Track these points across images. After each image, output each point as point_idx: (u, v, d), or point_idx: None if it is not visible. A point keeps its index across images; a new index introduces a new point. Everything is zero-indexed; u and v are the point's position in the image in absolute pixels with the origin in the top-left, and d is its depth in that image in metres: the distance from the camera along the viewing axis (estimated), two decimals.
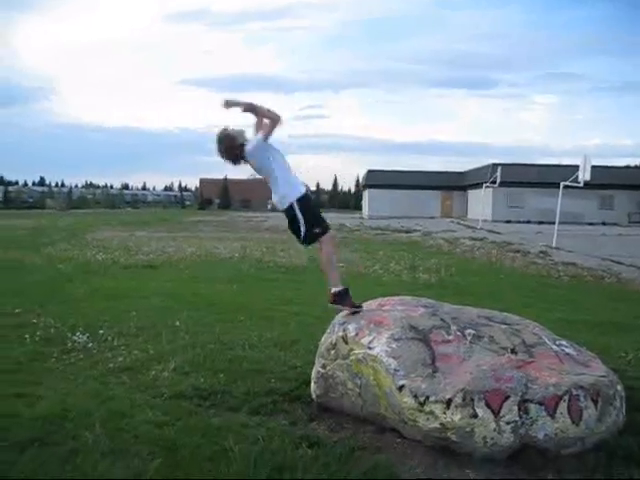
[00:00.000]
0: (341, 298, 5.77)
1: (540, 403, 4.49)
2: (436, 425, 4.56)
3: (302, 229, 5.74)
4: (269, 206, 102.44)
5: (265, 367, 6.65)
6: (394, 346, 4.99)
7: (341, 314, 5.84)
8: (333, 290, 5.79)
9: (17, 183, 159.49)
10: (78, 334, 7.99)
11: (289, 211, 5.77)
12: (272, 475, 4.19)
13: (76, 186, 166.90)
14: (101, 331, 8.16)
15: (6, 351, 7.37)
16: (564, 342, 5.46)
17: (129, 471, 4.21)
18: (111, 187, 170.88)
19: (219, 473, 4.20)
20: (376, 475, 4.27)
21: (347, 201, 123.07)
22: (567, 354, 5.20)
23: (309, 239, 5.81)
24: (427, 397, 4.60)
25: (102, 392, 5.87)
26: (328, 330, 5.77)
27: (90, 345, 7.58)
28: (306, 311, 9.99)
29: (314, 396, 5.68)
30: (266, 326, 8.75)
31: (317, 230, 5.78)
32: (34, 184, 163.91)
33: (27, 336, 8.01)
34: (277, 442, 4.74)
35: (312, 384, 5.73)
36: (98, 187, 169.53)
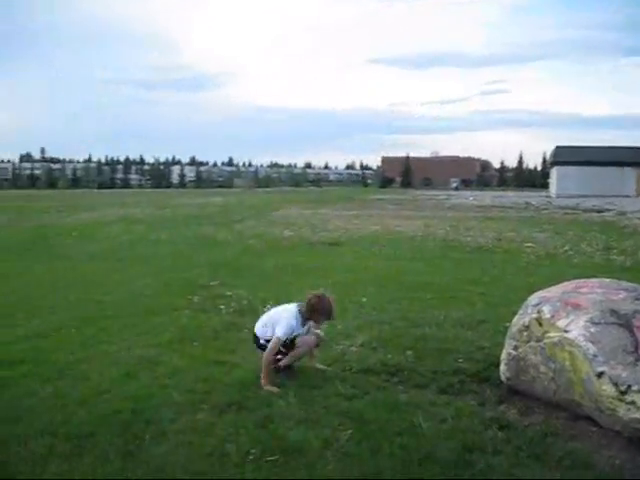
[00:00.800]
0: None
1: None
2: (637, 416, 4.28)
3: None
4: (454, 185, 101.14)
5: (452, 346, 6.58)
6: (593, 330, 4.73)
7: (535, 295, 5.62)
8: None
9: (208, 163, 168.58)
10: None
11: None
12: (462, 454, 4.15)
13: (262, 166, 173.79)
14: None
15: (205, 320, 7.86)
16: None
17: (319, 440, 4.33)
18: (295, 166, 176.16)
19: (407, 448, 4.22)
20: (571, 463, 4.09)
21: (533, 179, 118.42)
22: None
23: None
24: (629, 386, 4.33)
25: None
26: (520, 311, 5.58)
27: None
28: (492, 291, 9.76)
29: (503, 378, 5.53)
30: (452, 305, 8.66)
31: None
32: (223, 164, 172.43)
33: (222, 307, 8.49)
34: (466, 422, 4.70)
35: (501, 366, 5.58)
36: (282, 166, 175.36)
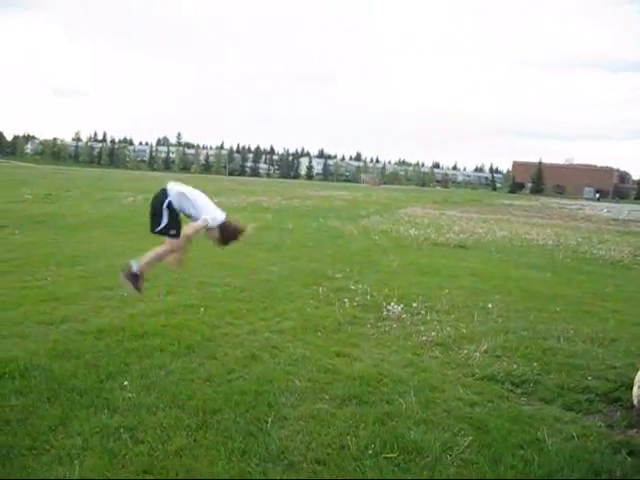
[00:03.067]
0: (133, 278, 6.18)
1: None
2: None
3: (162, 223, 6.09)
4: (595, 195, 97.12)
5: (581, 363, 6.34)
6: None
7: None
8: (134, 267, 6.16)
9: (336, 157, 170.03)
10: (392, 304, 8.31)
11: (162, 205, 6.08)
12: (587, 476, 4.00)
13: (389, 162, 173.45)
14: (414, 304, 8.40)
15: (328, 312, 7.93)
16: None
17: (438, 443, 4.29)
18: (422, 165, 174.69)
19: (529, 462, 4.11)
20: None
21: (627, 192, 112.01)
22: None
23: (159, 232, 6.14)
24: None
25: (415, 363, 6.07)
26: None
27: (404, 316, 7.85)
28: (627, 309, 9.33)
29: (635, 401, 5.26)
30: (582, 319, 8.33)
31: (172, 232, 6.13)
32: (351, 158, 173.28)
33: (346, 300, 8.54)
34: (593, 443, 4.52)
35: (635, 388, 5.31)
36: (410, 164, 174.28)
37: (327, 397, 5.07)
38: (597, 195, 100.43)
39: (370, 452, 4.12)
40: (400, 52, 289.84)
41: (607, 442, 4.56)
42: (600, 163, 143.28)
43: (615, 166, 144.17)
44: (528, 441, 4.44)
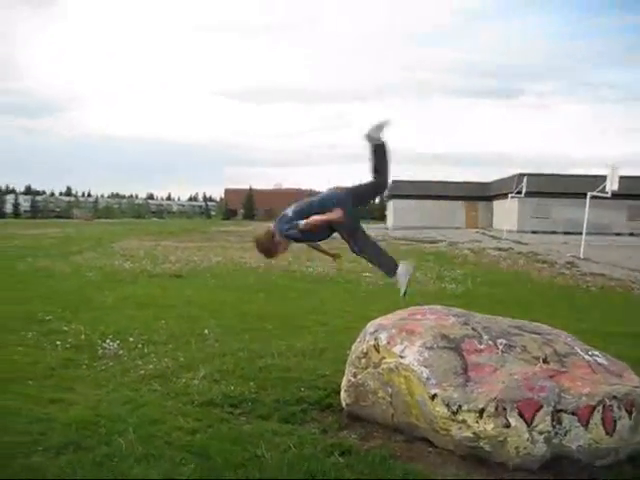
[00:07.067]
0: None
1: (573, 413, 4.47)
2: (468, 434, 4.55)
3: None
4: None
5: (294, 375, 6.67)
6: (426, 355, 4.99)
7: (372, 322, 5.83)
8: None
9: (44, 193, 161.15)
10: (108, 341, 8.06)
11: None
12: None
13: (102, 196, 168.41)
14: (131, 339, 8.23)
15: (39, 357, 7.47)
16: (596, 352, 5.40)
17: (161, 476, 4.25)
18: (137, 197, 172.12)
19: (250, 478, 4.23)
20: None
21: (371, 211, 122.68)
22: (600, 364, 5.14)
23: None
24: (459, 406, 4.60)
25: (134, 399, 5.93)
26: (358, 339, 5.78)
27: (120, 352, 7.66)
28: (333, 320, 10.01)
29: (344, 405, 5.68)
30: (295, 334, 8.78)
31: None
32: (61, 194, 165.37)
33: (58, 343, 8.11)
34: (309, 450, 4.76)
35: (342, 392, 5.74)
36: (124, 197, 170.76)
37: (41, 448, 4.75)
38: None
39: None
40: (106, 81, 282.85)
41: (321, 446, 4.84)
42: (304, 186, 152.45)
43: (317, 188, 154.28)
44: (248, 458, 4.56)
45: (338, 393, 5.87)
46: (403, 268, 5.93)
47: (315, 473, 4.34)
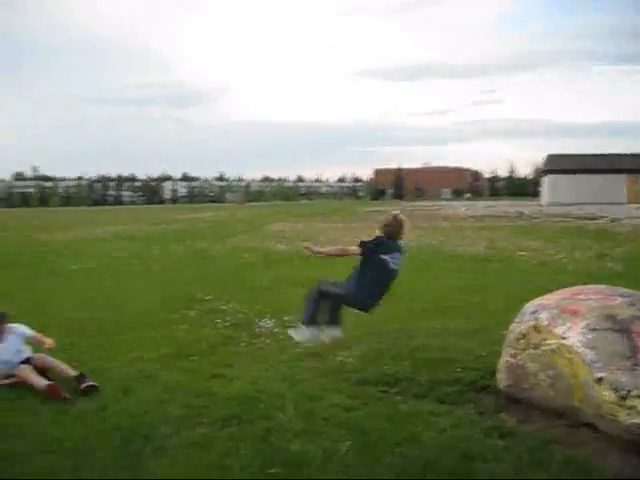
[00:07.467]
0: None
1: None
2: (637, 421, 4.29)
3: None
4: (447, 195, 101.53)
5: (449, 356, 6.59)
6: (590, 337, 4.75)
7: (531, 302, 5.63)
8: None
9: (199, 179, 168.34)
10: (265, 320, 8.33)
11: None
12: (463, 463, 4.15)
13: (253, 180, 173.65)
14: (286, 317, 8.44)
15: (200, 335, 7.85)
16: None
17: (319, 452, 4.32)
18: (286, 180, 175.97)
19: (407, 457, 4.22)
20: (572, 469, 4.10)
21: (524, 188, 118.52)
22: None
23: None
24: (628, 391, 4.34)
25: (291, 376, 6.10)
26: (516, 319, 5.59)
27: (277, 330, 7.89)
28: (488, 300, 9.78)
29: (501, 386, 5.54)
30: (447, 315, 8.67)
31: None
32: (215, 179, 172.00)
33: (218, 321, 8.49)
34: (466, 431, 4.70)
35: (499, 374, 5.59)
36: (274, 180, 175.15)
37: (206, 421, 4.99)
38: (468, 195, 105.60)
39: (252, 470, 4.09)
40: (250, 68, 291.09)
41: (479, 428, 4.76)
42: (454, 164, 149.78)
43: (467, 166, 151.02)
44: (405, 438, 4.56)
45: (494, 374, 5.73)
46: (307, 333, 6.30)
47: (473, 455, 4.26)
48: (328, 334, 6.32)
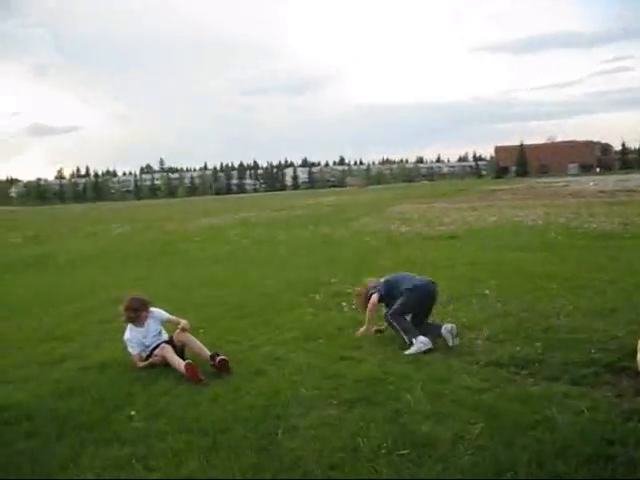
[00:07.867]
0: None
1: None
2: None
3: None
4: (574, 170, 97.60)
5: (583, 337, 6.34)
6: None
7: None
8: None
9: (319, 164, 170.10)
10: None
11: None
12: (601, 448, 3.98)
13: (373, 163, 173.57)
14: None
15: (327, 317, 7.94)
16: None
17: (450, 434, 4.29)
18: (406, 162, 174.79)
19: (542, 441, 4.10)
20: None
21: (627, 162, 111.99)
22: None
23: None
24: None
25: (419, 358, 6.08)
26: None
27: None
28: (623, 279, 9.34)
29: None
30: (580, 294, 8.35)
31: None
32: (335, 164, 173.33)
33: (344, 304, 8.54)
34: (603, 414, 4.51)
35: (638, 355, 5.33)
36: (394, 162, 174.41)
37: (335, 402, 5.05)
38: (598, 169, 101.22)
39: (383, 451, 4.10)
40: (362, 53, 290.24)
41: (617, 412, 4.55)
42: (581, 138, 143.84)
43: (596, 139, 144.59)
44: (539, 421, 4.43)
45: (633, 356, 5.46)
46: (421, 342, 6.36)
47: (612, 439, 4.09)
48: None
